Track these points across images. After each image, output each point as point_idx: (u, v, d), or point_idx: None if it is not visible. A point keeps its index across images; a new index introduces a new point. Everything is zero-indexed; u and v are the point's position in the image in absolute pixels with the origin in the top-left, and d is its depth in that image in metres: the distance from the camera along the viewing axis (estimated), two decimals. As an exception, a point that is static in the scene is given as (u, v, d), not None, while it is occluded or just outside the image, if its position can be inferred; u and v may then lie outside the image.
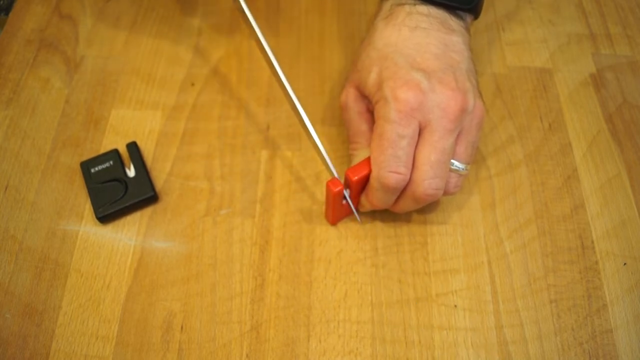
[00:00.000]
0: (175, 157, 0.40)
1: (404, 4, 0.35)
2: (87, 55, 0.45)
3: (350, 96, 0.36)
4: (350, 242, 0.37)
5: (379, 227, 0.38)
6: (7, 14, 0.48)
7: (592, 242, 0.37)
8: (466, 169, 0.34)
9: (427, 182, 0.32)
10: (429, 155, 0.32)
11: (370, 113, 0.36)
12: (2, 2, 0.49)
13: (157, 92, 0.43)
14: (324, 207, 0.38)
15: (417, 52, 0.33)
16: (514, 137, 0.42)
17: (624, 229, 0.38)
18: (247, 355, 0.34)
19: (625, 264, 0.37)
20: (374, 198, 0.34)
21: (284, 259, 0.37)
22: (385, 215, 0.38)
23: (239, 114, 0.42)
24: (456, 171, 0.34)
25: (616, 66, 0.45)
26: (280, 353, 0.34)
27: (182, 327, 0.34)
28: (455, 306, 0.35)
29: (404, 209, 0.35)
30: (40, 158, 0.40)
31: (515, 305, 0.35)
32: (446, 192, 0.35)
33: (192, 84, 0.44)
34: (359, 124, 0.36)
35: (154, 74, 0.44)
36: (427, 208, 0.38)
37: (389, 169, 0.32)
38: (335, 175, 0.35)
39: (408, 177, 0.33)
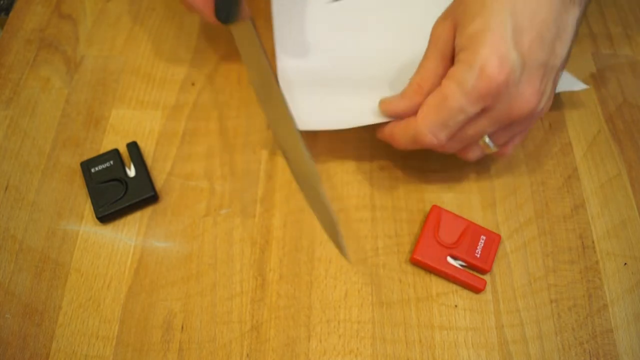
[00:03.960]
0: (176, 156, 0.40)
1: None
2: (87, 55, 0.45)
3: (445, 32, 0.33)
4: (350, 242, 0.37)
5: (380, 227, 0.38)
6: (7, 14, 0.48)
7: (593, 242, 0.37)
8: (494, 149, 0.34)
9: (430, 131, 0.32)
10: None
11: (452, 61, 0.33)
12: (2, 2, 0.49)
13: (157, 92, 0.43)
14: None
15: (529, 23, 0.30)
16: (514, 136, 0.42)
17: (624, 229, 0.38)
18: (247, 355, 0.34)
19: (625, 264, 0.37)
20: (399, 141, 0.34)
21: (285, 258, 0.37)
22: (385, 215, 0.38)
23: (239, 113, 0.42)
24: (485, 146, 0.34)
25: (616, 66, 0.45)
26: (280, 353, 0.34)
27: (182, 327, 0.34)
28: (456, 306, 0.35)
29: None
30: (40, 158, 0.40)
31: (516, 305, 0.35)
32: (463, 155, 0.35)
33: (192, 84, 0.44)
34: (436, 67, 0.33)
35: (154, 74, 0.44)
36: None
37: (433, 132, 0.31)
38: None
39: (443, 144, 0.32)
